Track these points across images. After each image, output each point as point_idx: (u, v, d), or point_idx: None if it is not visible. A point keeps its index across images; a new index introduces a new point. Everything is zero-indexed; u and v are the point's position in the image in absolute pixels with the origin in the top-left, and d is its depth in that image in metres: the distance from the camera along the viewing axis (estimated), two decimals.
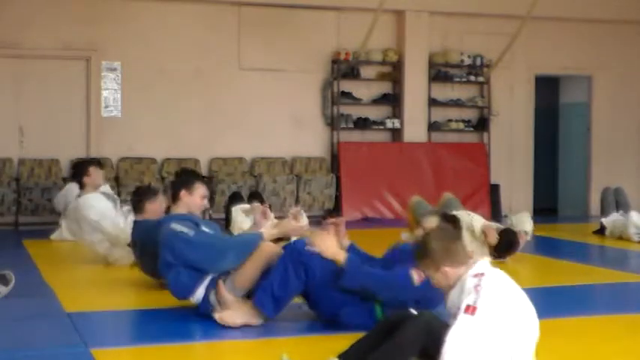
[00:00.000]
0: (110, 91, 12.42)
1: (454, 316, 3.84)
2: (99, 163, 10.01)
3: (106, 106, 12.41)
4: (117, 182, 11.97)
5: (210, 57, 12.81)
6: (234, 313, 5.41)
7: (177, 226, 5.60)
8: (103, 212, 8.54)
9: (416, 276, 5.10)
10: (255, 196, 10.08)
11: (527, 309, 3.91)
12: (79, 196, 9.09)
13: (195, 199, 5.92)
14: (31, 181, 11.70)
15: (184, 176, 6.06)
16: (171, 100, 12.64)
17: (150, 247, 6.21)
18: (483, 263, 3.96)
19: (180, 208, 5.91)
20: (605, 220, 10.92)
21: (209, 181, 8.18)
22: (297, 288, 5.31)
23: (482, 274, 3.87)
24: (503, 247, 8.14)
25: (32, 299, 6.50)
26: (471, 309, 3.74)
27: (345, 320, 5.26)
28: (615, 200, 11.23)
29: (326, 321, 5.41)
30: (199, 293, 5.60)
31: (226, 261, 5.54)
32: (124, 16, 12.41)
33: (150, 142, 12.55)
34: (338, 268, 5.16)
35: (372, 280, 5.16)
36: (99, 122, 12.37)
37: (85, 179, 9.16)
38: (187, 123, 12.70)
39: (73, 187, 10.29)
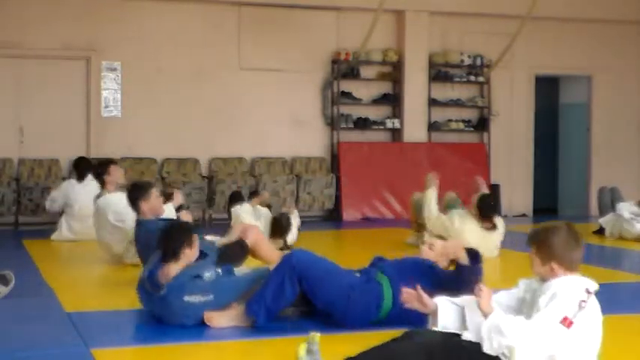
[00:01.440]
0: (110, 91, 12.42)
1: (529, 307, 3.89)
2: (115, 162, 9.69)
3: (106, 106, 12.41)
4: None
5: (210, 57, 12.81)
6: (223, 315, 5.43)
7: (191, 299, 5.40)
8: (123, 212, 8.36)
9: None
10: (255, 195, 10.08)
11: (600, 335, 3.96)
12: (98, 196, 8.88)
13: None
14: (31, 181, 11.71)
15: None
16: (171, 100, 12.64)
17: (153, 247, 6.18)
18: (594, 284, 3.97)
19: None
20: (602, 221, 10.92)
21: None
22: (290, 300, 5.36)
23: (591, 293, 3.88)
24: (486, 209, 8.83)
25: (32, 299, 6.50)
26: (568, 322, 3.77)
27: (351, 312, 5.26)
28: (612, 200, 11.24)
29: (330, 316, 5.39)
30: None
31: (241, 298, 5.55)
32: (124, 16, 12.41)
33: (150, 142, 12.55)
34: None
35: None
36: (99, 122, 12.37)
37: (106, 178, 8.92)
38: (187, 123, 12.70)
39: (70, 185, 10.32)
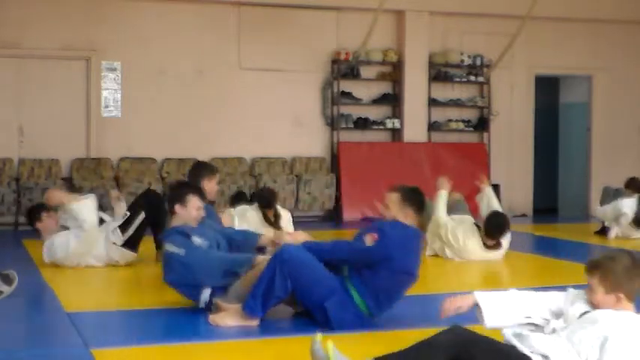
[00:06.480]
0: (110, 91, 12.42)
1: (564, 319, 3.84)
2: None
3: (106, 106, 12.41)
4: (117, 182, 11.97)
5: (210, 57, 12.82)
6: (227, 315, 5.48)
7: (170, 247, 5.77)
8: (64, 246, 7.90)
9: (369, 238, 5.46)
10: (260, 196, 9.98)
11: None
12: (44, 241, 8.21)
13: (190, 212, 5.97)
14: (31, 181, 11.71)
15: (177, 190, 6.19)
16: (171, 100, 12.64)
17: None
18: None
19: (176, 221, 5.99)
20: (600, 212, 10.95)
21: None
22: (282, 295, 5.39)
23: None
24: (494, 229, 8.61)
25: (32, 299, 6.50)
26: None
27: (333, 313, 5.32)
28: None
29: (315, 317, 5.44)
30: (205, 295, 5.76)
31: (216, 279, 5.71)
32: (124, 16, 12.41)
33: (150, 142, 12.55)
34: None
35: (324, 250, 5.53)
36: (99, 122, 12.37)
37: (39, 225, 8.17)
38: (187, 123, 12.70)
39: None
